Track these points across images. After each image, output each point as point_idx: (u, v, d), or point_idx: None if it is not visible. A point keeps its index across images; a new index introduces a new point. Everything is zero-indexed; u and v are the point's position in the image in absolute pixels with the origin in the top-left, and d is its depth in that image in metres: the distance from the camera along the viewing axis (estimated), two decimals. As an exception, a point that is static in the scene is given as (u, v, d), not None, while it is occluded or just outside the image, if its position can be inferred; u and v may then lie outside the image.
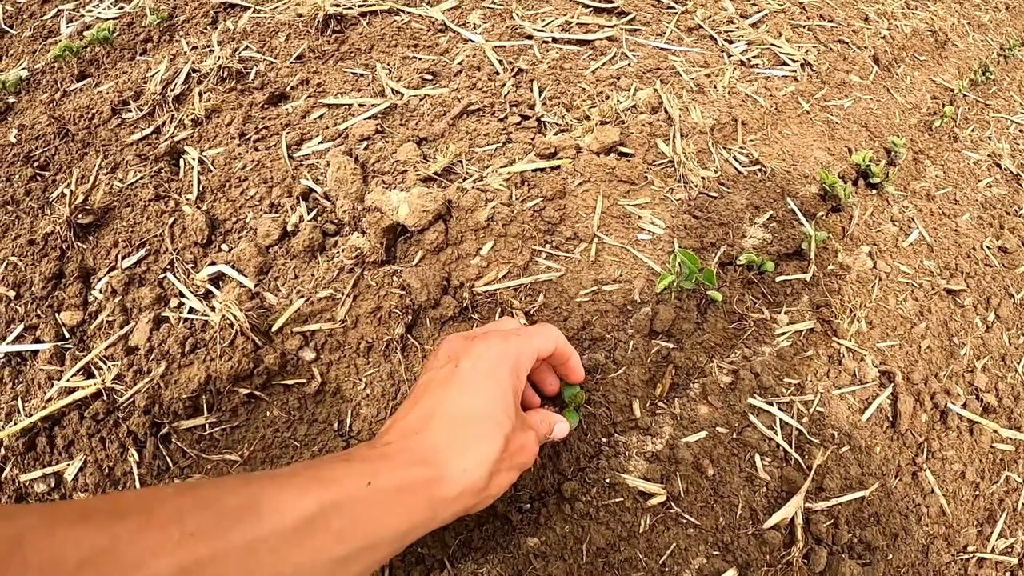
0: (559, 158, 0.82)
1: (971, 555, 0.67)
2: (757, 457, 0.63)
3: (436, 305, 0.70)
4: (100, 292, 0.74)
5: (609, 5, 1.12)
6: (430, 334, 0.69)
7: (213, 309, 0.69)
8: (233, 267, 0.73)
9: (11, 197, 0.87)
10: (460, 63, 0.98)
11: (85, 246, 0.78)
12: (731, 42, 1.10)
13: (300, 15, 1.08)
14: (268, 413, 0.66)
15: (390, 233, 0.74)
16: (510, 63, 0.98)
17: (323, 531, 0.37)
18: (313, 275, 0.72)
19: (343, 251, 0.73)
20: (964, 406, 0.75)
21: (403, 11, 1.10)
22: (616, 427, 0.64)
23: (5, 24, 1.29)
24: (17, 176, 0.89)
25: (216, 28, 1.12)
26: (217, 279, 0.73)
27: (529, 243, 0.74)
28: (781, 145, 0.97)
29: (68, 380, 0.68)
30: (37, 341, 0.72)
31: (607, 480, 0.60)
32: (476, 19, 1.08)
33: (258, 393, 0.66)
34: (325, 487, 0.38)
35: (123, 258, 0.76)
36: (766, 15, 1.19)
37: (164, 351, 0.68)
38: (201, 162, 0.86)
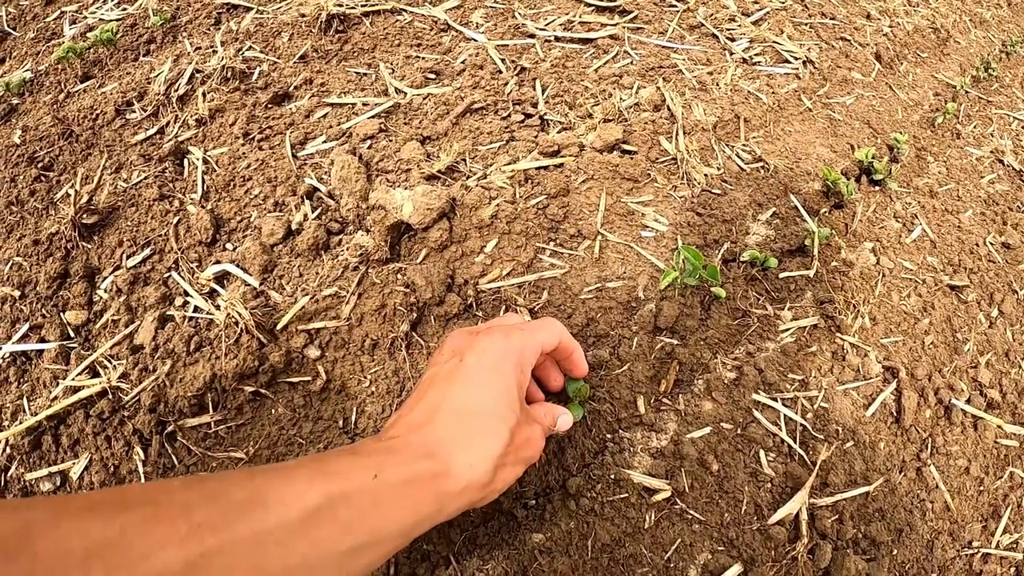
0: (562, 156, 0.83)
1: (976, 550, 0.67)
2: (761, 453, 0.63)
3: (440, 302, 0.70)
4: (105, 291, 0.75)
5: (611, 4, 1.13)
6: (435, 331, 0.69)
7: (218, 308, 0.69)
8: (238, 266, 0.73)
9: (16, 197, 0.87)
10: (463, 62, 0.99)
11: (90, 246, 0.79)
12: (733, 40, 1.10)
13: (303, 15, 1.08)
14: (273, 411, 0.66)
15: (394, 231, 0.74)
16: (513, 62, 0.98)
17: (329, 523, 0.37)
18: (318, 273, 0.72)
19: (347, 249, 0.73)
20: (968, 402, 0.75)
21: (406, 11, 1.10)
22: (621, 423, 0.64)
23: (9, 26, 1.30)
24: (22, 177, 0.89)
25: (219, 29, 1.13)
26: (222, 278, 0.73)
27: (533, 240, 0.75)
28: (784, 142, 0.97)
29: (73, 379, 0.68)
30: (42, 340, 0.72)
31: (612, 476, 0.60)
32: (478, 18, 1.08)
33: (263, 391, 0.66)
34: (331, 480, 0.38)
35: (128, 257, 0.77)
36: (768, 13, 1.19)
37: (169, 350, 0.68)
38: (205, 162, 0.86)
